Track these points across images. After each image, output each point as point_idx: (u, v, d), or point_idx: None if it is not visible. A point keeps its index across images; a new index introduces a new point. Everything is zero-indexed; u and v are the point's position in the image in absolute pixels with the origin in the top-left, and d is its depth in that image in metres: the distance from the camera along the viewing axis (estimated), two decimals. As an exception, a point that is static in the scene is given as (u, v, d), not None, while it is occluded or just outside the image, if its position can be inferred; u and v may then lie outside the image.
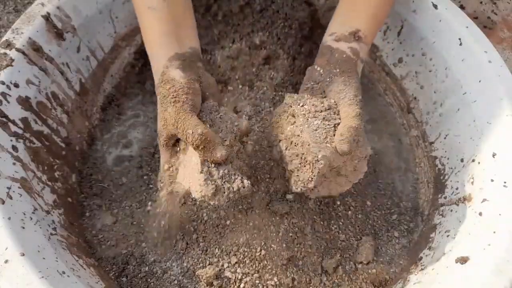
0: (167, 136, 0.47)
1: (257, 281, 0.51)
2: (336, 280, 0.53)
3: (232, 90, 0.67)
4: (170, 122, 0.46)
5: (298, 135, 0.47)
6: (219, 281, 0.51)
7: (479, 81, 0.55)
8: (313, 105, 0.48)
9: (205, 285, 0.51)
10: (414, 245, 0.57)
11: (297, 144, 0.47)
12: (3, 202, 0.44)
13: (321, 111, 0.48)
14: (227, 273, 0.51)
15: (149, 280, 0.52)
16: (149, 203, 0.57)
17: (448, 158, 0.60)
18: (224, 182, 0.44)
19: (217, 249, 0.52)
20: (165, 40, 0.50)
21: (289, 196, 0.54)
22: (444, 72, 0.61)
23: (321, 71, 0.52)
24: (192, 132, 0.43)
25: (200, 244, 0.53)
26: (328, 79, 0.51)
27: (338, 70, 0.51)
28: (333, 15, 0.57)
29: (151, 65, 0.52)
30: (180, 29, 0.52)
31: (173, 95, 0.46)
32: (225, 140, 0.45)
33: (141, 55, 0.71)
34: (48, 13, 0.57)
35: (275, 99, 0.65)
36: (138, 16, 0.53)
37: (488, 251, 0.43)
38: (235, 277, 0.51)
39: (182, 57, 0.50)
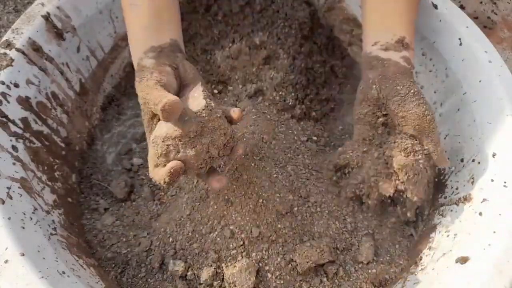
0: (146, 116, 0.45)
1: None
2: (336, 280, 0.53)
3: (232, 90, 0.67)
4: (142, 101, 0.44)
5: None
6: (219, 281, 0.51)
7: (479, 81, 0.55)
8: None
9: (205, 285, 0.51)
10: (414, 245, 0.57)
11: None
12: (3, 202, 0.44)
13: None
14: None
15: (149, 280, 0.52)
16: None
17: (448, 158, 0.60)
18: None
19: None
20: (143, 35, 0.50)
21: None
22: (444, 72, 0.61)
23: (377, 87, 0.50)
24: (157, 103, 0.39)
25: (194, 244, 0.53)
26: (391, 96, 0.49)
27: (400, 86, 0.48)
28: (365, 21, 0.55)
29: (132, 61, 0.51)
30: (161, 22, 0.51)
31: (140, 77, 0.45)
32: (199, 114, 0.41)
33: (141, 55, 0.71)
34: (48, 13, 0.57)
35: (275, 99, 0.65)
36: (123, 14, 0.53)
37: (488, 251, 0.43)
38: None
39: (158, 49, 0.49)
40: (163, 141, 0.41)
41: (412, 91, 0.48)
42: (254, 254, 0.52)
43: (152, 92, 0.42)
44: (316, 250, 0.51)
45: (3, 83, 0.50)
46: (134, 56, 0.50)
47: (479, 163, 0.52)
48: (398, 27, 0.52)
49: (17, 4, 0.96)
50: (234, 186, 0.53)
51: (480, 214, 0.48)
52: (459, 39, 0.58)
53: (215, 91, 0.68)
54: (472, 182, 0.52)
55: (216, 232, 0.53)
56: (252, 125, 0.59)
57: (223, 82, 0.68)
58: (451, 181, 0.57)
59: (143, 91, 0.43)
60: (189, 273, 0.52)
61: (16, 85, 0.52)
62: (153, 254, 0.53)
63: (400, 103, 0.48)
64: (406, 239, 0.58)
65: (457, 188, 0.55)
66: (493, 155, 0.51)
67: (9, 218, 0.43)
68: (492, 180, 0.49)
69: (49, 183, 0.53)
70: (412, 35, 0.53)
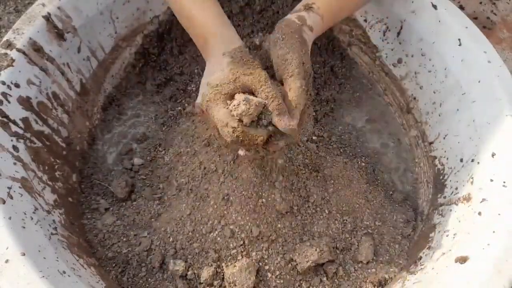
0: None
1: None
2: (336, 280, 0.53)
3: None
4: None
5: None
6: (219, 281, 0.52)
7: (479, 82, 0.56)
8: None
9: (205, 285, 0.51)
10: (414, 245, 0.57)
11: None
12: (4, 202, 0.44)
13: None
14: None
15: (149, 279, 0.52)
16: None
17: (447, 158, 0.60)
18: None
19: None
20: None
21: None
22: (444, 72, 0.61)
23: (269, 42, 0.52)
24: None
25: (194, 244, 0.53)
26: (272, 46, 0.50)
27: (281, 35, 0.50)
28: None
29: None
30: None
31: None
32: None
33: (142, 55, 0.72)
34: (49, 14, 0.57)
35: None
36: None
37: (487, 251, 0.44)
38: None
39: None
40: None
41: (284, 42, 0.49)
42: (254, 253, 0.52)
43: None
44: (316, 250, 0.52)
45: (4, 83, 0.50)
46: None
47: (478, 163, 0.52)
48: None
49: (17, 4, 0.96)
50: (234, 185, 0.54)
51: (480, 214, 0.48)
52: (459, 39, 0.59)
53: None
54: (472, 182, 0.52)
55: (216, 232, 0.53)
56: None
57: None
58: (450, 181, 0.58)
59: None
60: (189, 273, 0.52)
61: (17, 85, 0.52)
62: (153, 254, 0.54)
63: (272, 49, 0.50)
64: (406, 239, 0.58)
65: (456, 188, 0.55)
66: (493, 155, 0.51)
67: (10, 218, 0.44)
68: (492, 180, 0.49)
69: (50, 183, 0.53)
70: (324, 2, 0.53)
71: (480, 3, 0.78)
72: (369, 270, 0.54)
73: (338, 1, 0.55)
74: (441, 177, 0.60)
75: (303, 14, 0.52)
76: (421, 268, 0.50)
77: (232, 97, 0.45)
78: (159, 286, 0.52)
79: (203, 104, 0.47)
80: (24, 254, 0.41)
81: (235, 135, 0.43)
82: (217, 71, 0.48)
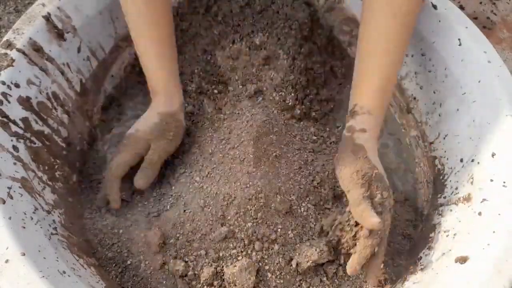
0: None
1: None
2: (336, 280, 0.53)
3: (232, 90, 0.67)
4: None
5: None
6: (219, 281, 0.52)
7: (479, 82, 0.56)
8: None
9: (205, 285, 0.51)
10: (414, 245, 0.57)
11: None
12: (4, 202, 0.44)
13: None
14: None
15: (149, 279, 0.52)
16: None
17: (447, 158, 0.60)
18: None
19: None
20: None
21: None
22: (444, 72, 0.61)
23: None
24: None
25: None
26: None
27: (338, 155, 0.53)
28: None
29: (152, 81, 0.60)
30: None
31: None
32: None
33: (142, 56, 0.71)
34: (49, 14, 0.57)
35: (275, 99, 0.66)
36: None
37: (487, 251, 0.44)
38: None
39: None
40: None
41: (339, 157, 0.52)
42: (254, 253, 0.52)
43: None
44: (316, 250, 0.51)
45: (4, 83, 0.50)
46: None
47: (478, 163, 0.52)
48: (356, 97, 0.55)
49: (17, 4, 0.96)
50: (234, 186, 0.54)
51: (480, 214, 0.48)
52: (459, 39, 0.59)
53: (215, 91, 0.68)
54: (472, 182, 0.52)
55: (216, 232, 0.53)
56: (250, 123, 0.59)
57: (223, 82, 0.68)
58: (450, 181, 0.57)
59: None
60: (189, 273, 0.52)
61: (17, 85, 0.52)
62: (153, 254, 0.53)
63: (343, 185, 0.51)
64: (406, 239, 0.58)
65: (456, 188, 0.55)
66: (493, 155, 0.51)
67: (10, 218, 0.44)
68: (492, 180, 0.49)
69: (50, 183, 0.53)
70: (374, 98, 0.53)
71: (480, 3, 0.78)
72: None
73: (382, 81, 0.53)
74: (441, 177, 0.60)
75: (350, 124, 0.53)
76: (421, 268, 0.50)
77: (134, 153, 0.56)
78: (159, 286, 0.52)
79: (120, 143, 0.58)
80: (24, 254, 0.41)
81: None
82: (145, 124, 0.57)
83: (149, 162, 0.56)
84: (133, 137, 0.57)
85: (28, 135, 0.52)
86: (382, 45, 0.53)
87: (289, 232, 0.54)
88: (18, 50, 0.53)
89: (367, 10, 0.54)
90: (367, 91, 0.53)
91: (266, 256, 0.53)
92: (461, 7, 0.79)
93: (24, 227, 0.44)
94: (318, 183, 0.58)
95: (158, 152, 0.56)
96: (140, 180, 0.55)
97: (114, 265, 0.53)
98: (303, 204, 0.56)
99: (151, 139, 0.56)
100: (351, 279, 0.54)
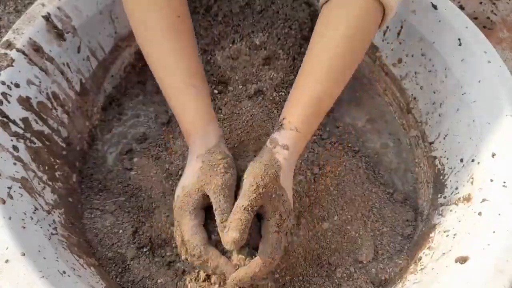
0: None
1: None
2: (336, 280, 0.53)
3: (232, 90, 0.67)
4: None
5: None
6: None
7: (479, 82, 0.56)
8: None
9: (205, 285, 0.51)
10: (414, 245, 0.57)
11: None
12: (4, 202, 0.44)
13: None
14: None
15: (149, 280, 0.52)
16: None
17: (447, 158, 0.60)
18: None
19: None
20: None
21: None
22: (444, 72, 0.61)
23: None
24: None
25: None
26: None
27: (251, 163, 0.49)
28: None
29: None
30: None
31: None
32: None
33: (142, 56, 0.71)
34: (49, 14, 0.57)
35: (275, 99, 0.66)
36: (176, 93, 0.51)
37: (487, 251, 0.44)
38: None
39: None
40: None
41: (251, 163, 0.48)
42: None
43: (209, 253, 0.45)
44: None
45: (3, 83, 0.50)
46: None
47: (478, 163, 0.52)
48: (285, 110, 0.51)
49: (17, 4, 0.96)
50: None
51: (480, 214, 0.48)
52: (459, 39, 0.59)
53: (215, 91, 0.68)
54: (472, 182, 0.52)
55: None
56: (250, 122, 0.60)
57: (223, 82, 0.68)
58: (450, 181, 0.58)
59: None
60: (190, 273, 0.52)
61: (17, 85, 0.52)
62: (153, 254, 0.53)
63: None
64: (406, 239, 0.58)
65: (456, 188, 0.55)
66: (493, 155, 0.51)
67: (10, 218, 0.44)
68: (492, 180, 0.49)
69: (50, 183, 0.53)
70: (298, 112, 0.49)
71: (480, 3, 0.78)
72: (369, 270, 0.54)
73: (314, 101, 0.49)
74: (441, 177, 0.60)
75: (275, 136, 0.49)
76: (421, 268, 0.50)
77: (196, 209, 0.46)
78: (159, 286, 0.52)
79: (174, 209, 0.48)
80: (24, 254, 0.41)
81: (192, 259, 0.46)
82: (190, 175, 0.48)
83: (220, 212, 0.45)
84: (183, 196, 0.47)
85: (28, 135, 0.52)
86: (324, 61, 0.49)
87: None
88: (18, 50, 0.53)
89: (320, 23, 0.52)
90: (297, 109, 0.49)
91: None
92: (461, 7, 0.79)
93: (24, 227, 0.44)
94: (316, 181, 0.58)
95: (219, 192, 0.46)
96: (233, 240, 0.43)
97: (114, 265, 0.53)
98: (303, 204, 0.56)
99: (203, 186, 0.46)
100: (351, 279, 0.54)
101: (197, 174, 0.47)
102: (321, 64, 0.49)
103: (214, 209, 0.45)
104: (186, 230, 0.45)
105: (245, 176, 0.47)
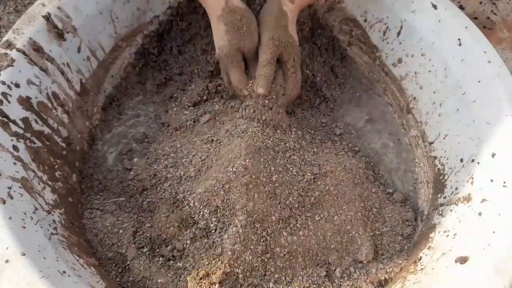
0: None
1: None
2: (336, 280, 0.53)
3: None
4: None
5: None
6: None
7: (479, 82, 0.56)
8: None
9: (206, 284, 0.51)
10: (414, 245, 0.57)
11: None
12: (4, 202, 0.44)
13: None
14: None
15: (149, 280, 0.52)
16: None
17: (447, 158, 0.60)
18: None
19: None
20: None
21: None
22: (444, 72, 0.61)
23: None
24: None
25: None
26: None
27: (262, 12, 0.61)
28: None
29: None
30: None
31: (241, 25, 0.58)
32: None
33: (142, 56, 0.72)
34: (49, 13, 0.57)
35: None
36: None
37: (487, 251, 0.44)
38: None
39: None
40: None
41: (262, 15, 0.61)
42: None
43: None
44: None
45: (4, 83, 0.50)
46: None
47: (478, 163, 0.52)
48: None
49: (17, 4, 0.96)
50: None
51: (480, 214, 0.48)
52: (459, 39, 0.59)
53: (215, 90, 0.68)
54: (472, 182, 0.52)
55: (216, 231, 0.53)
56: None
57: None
58: (450, 181, 0.58)
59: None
60: (191, 273, 0.52)
61: (17, 85, 0.52)
62: (153, 253, 0.53)
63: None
64: (406, 239, 0.58)
65: (456, 188, 0.55)
66: (493, 155, 0.51)
67: (10, 218, 0.44)
68: (492, 180, 0.49)
69: (50, 183, 0.53)
70: None
71: (480, 3, 0.78)
72: (369, 270, 0.54)
73: None
74: (441, 177, 0.60)
75: None
76: (421, 268, 0.50)
77: (238, 62, 0.60)
78: (159, 286, 0.52)
79: (221, 61, 0.61)
80: (24, 254, 0.41)
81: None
82: (219, 39, 0.59)
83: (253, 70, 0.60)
84: (224, 56, 0.59)
85: (28, 135, 0.52)
86: None
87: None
88: (18, 50, 0.53)
89: None
90: None
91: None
92: (461, 7, 0.79)
93: (24, 227, 0.44)
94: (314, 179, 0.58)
95: (252, 56, 0.60)
96: (261, 88, 0.58)
97: (114, 265, 0.53)
98: (303, 206, 0.56)
99: (237, 48, 0.58)
100: (351, 279, 0.54)
101: (227, 38, 0.58)
102: None
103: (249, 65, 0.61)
104: (235, 77, 0.60)
105: (260, 30, 0.59)
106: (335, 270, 0.54)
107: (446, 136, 0.61)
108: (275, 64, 0.59)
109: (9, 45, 0.53)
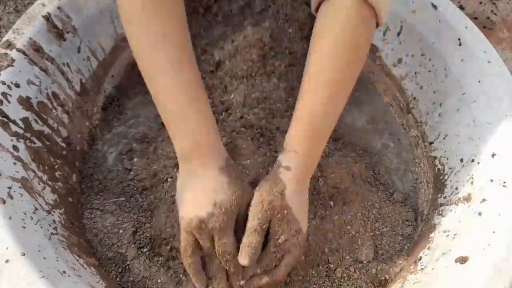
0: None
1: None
2: (336, 280, 0.53)
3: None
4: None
5: None
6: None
7: (479, 81, 0.56)
8: None
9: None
10: (414, 245, 0.57)
11: None
12: (4, 202, 0.44)
13: None
14: None
15: (149, 280, 0.52)
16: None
17: (447, 158, 0.60)
18: None
19: None
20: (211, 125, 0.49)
21: None
22: (444, 72, 0.61)
23: None
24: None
25: None
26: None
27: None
28: None
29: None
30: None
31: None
32: None
33: (142, 56, 0.71)
34: (49, 13, 0.57)
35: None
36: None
37: (487, 251, 0.44)
38: None
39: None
40: None
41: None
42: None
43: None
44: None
45: (4, 83, 0.50)
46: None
47: (478, 163, 0.52)
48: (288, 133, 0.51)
49: (17, 4, 0.96)
50: None
51: (480, 214, 0.48)
52: (459, 39, 0.59)
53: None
54: (472, 182, 0.52)
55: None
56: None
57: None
58: (450, 181, 0.58)
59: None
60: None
61: (17, 85, 0.52)
62: (153, 253, 0.53)
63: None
64: (406, 239, 0.58)
65: (456, 188, 0.55)
66: (493, 155, 0.51)
67: (10, 218, 0.44)
68: (492, 180, 0.49)
69: (50, 183, 0.53)
70: (298, 134, 0.49)
71: (480, 3, 0.78)
72: (369, 270, 0.54)
73: (312, 126, 0.49)
74: (441, 177, 0.60)
75: (279, 157, 0.50)
76: (421, 268, 0.50)
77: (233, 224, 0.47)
78: (159, 286, 0.52)
79: (208, 226, 0.45)
80: (24, 254, 0.41)
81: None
82: (219, 190, 0.46)
83: (250, 231, 0.46)
84: (223, 214, 0.45)
85: (28, 135, 0.52)
86: (319, 80, 0.48)
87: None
88: (18, 50, 0.53)
89: (316, 36, 0.49)
90: (296, 130, 0.49)
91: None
92: (461, 7, 0.79)
93: (24, 227, 0.44)
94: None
95: (240, 207, 0.47)
96: (249, 257, 0.46)
97: (114, 265, 0.53)
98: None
99: (240, 203, 0.47)
100: (351, 279, 0.54)
101: (231, 190, 0.46)
102: (316, 83, 0.48)
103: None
104: (230, 245, 0.46)
105: (254, 194, 0.48)
106: (335, 270, 0.54)
107: (446, 136, 0.61)
108: (261, 235, 0.46)
109: (9, 45, 0.53)
